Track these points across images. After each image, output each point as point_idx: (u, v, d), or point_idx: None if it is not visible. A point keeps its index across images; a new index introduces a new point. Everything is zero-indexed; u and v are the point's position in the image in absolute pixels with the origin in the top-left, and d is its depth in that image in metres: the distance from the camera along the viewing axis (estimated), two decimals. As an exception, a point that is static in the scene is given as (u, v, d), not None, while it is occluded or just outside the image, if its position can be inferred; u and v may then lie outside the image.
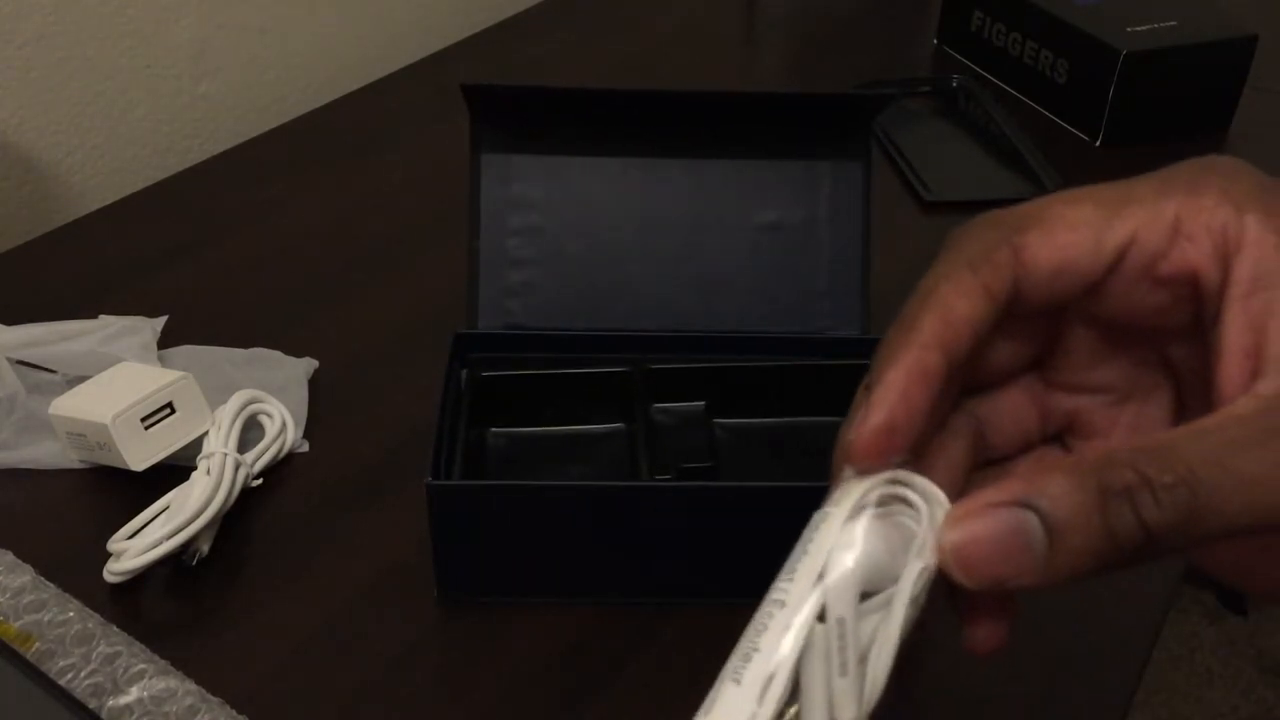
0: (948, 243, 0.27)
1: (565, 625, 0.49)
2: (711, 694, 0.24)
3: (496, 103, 0.56)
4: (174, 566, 0.50)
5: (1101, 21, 0.84)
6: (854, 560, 0.24)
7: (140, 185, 0.79)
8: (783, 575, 0.25)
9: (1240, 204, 0.25)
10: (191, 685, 0.45)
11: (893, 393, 0.25)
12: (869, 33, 1.04)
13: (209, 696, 0.45)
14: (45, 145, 0.78)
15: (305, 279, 0.69)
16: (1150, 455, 0.23)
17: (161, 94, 0.84)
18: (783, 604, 0.24)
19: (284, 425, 0.56)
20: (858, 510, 0.25)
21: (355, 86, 0.91)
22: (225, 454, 0.52)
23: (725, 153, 0.57)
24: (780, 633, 0.24)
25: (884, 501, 0.25)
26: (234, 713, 0.45)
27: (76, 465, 0.56)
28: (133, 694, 0.45)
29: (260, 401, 0.56)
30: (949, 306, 0.25)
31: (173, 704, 0.45)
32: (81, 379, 0.56)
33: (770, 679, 0.23)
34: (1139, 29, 0.83)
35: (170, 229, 0.74)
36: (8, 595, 0.48)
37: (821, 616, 0.24)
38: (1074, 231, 0.26)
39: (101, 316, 0.64)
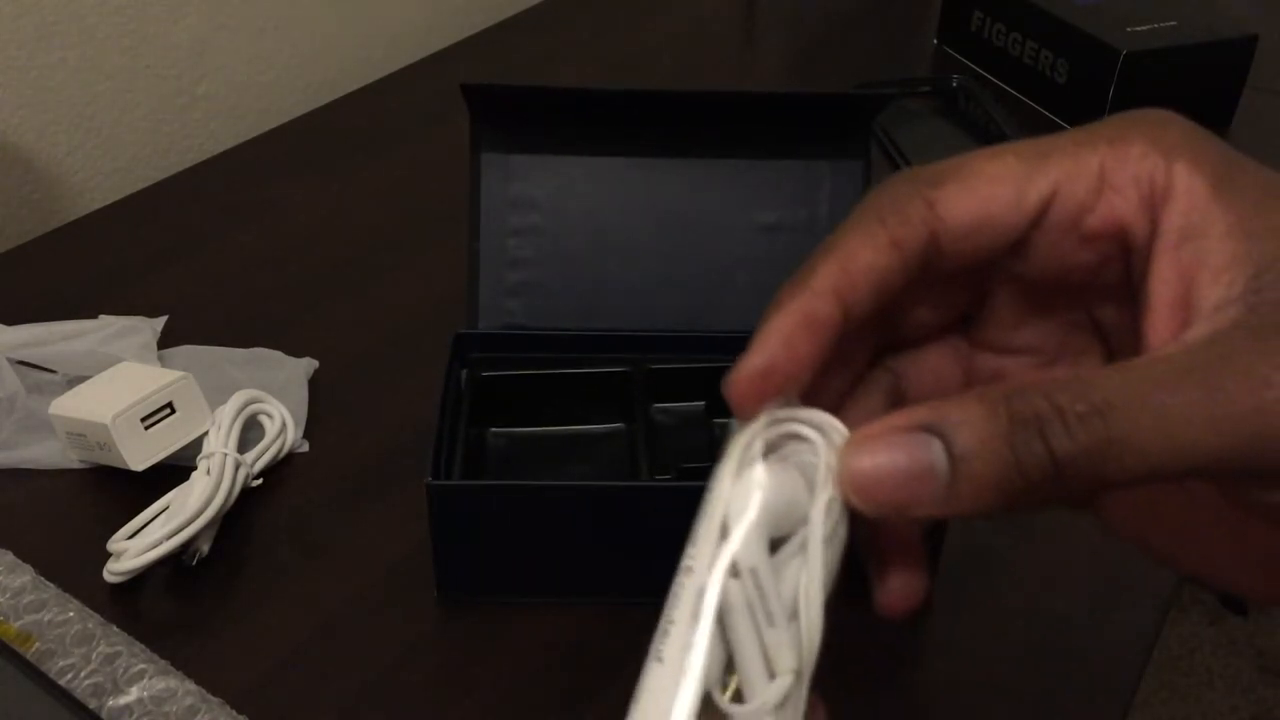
0: (862, 200, 0.26)
1: (565, 625, 0.49)
2: (639, 681, 0.23)
3: (496, 103, 0.56)
4: (174, 566, 0.50)
5: (1101, 21, 0.84)
6: (753, 507, 0.23)
7: (140, 185, 0.79)
8: (688, 543, 0.24)
9: (1168, 152, 0.24)
10: (191, 685, 0.45)
11: (774, 337, 0.24)
12: (869, 33, 1.04)
13: (209, 696, 0.45)
14: (45, 145, 0.78)
15: (305, 279, 0.69)
16: (1065, 386, 0.21)
17: (161, 94, 0.84)
18: (690, 569, 0.23)
19: (284, 425, 0.56)
20: (747, 457, 0.24)
21: (355, 86, 0.91)
22: (225, 454, 0.52)
23: (725, 153, 0.57)
24: (693, 599, 0.23)
25: (777, 443, 0.24)
26: (234, 713, 0.45)
27: (76, 465, 0.56)
28: (133, 694, 0.45)
29: (260, 401, 0.56)
30: (849, 255, 0.24)
31: (173, 704, 0.45)
32: (81, 379, 0.56)
33: (690, 648, 0.23)
34: (1139, 29, 0.83)
35: (170, 229, 0.74)
36: (8, 595, 0.48)
37: (735, 572, 0.23)
38: (993, 184, 0.25)
39: (101, 316, 0.64)
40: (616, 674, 0.47)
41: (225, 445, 0.53)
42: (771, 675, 0.23)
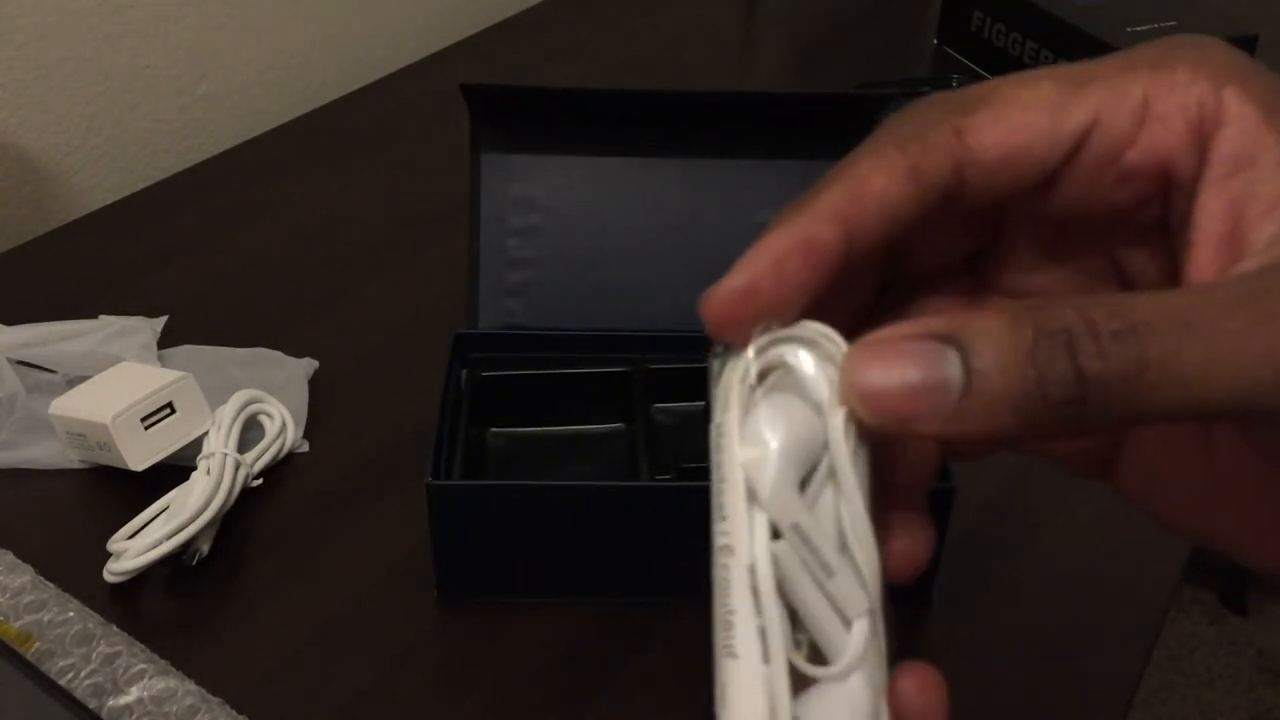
0: (883, 125, 0.23)
1: (565, 625, 0.49)
2: (717, 679, 0.21)
3: (496, 103, 0.56)
4: (174, 566, 0.50)
5: (1101, 21, 0.84)
6: (773, 457, 0.21)
7: (140, 185, 0.79)
8: (715, 516, 0.22)
9: (1215, 78, 0.22)
10: (191, 685, 0.45)
11: (764, 257, 0.22)
12: (869, 33, 1.04)
13: (209, 696, 0.45)
14: (45, 145, 0.78)
15: (305, 279, 0.69)
16: (1100, 303, 0.19)
17: (161, 94, 0.84)
18: (729, 548, 0.21)
19: (284, 425, 0.56)
20: (747, 400, 0.21)
21: (355, 86, 0.91)
22: (225, 454, 0.52)
23: (725, 153, 0.57)
24: (746, 580, 0.21)
25: (769, 371, 0.22)
26: (234, 712, 0.45)
27: (76, 465, 0.56)
28: (133, 694, 0.45)
29: (260, 401, 0.56)
30: (861, 180, 0.22)
31: (173, 704, 0.45)
32: (81, 379, 0.56)
33: (763, 632, 0.21)
34: (1139, 29, 0.83)
35: (170, 229, 0.74)
36: (8, 595, 0.48)
37: (776, 534, 0.21)
38: (1027, 112, 0.22)
39: (101, 316, 0.64)
40: (616, 674, 0.47)
41: (225, 445, 0.53)
42: (847, 624, 0.21)
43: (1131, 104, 0.22)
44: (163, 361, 0.61)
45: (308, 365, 0.61)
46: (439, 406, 0.50)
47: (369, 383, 0.62)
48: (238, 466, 0.53)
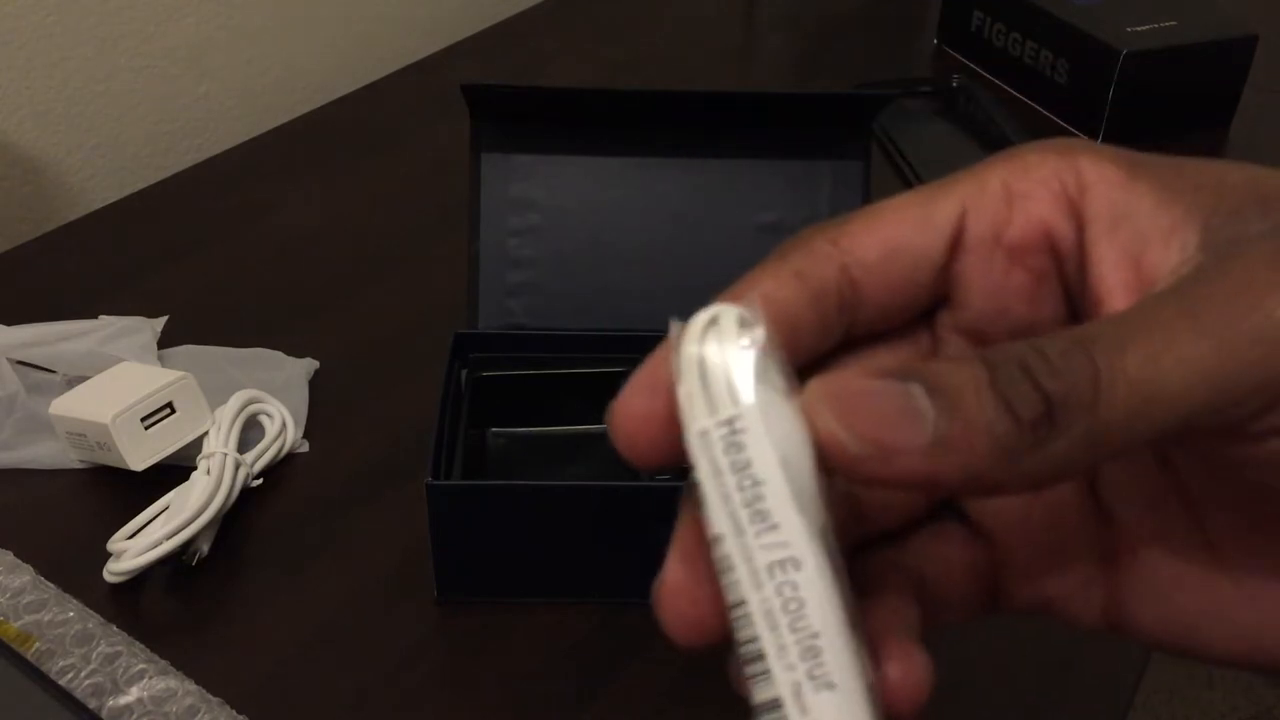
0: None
1: (565, 625, 0.49)
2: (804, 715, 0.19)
3: (496, 103, 0.56)
4: (174, 566, 0.50)
5: (1101, 21, 0.84)
6: (802, 443, 0.19)
7: (140, 185, 0.79)
8: (750, 529, 0.19)
9: (1065, 153, 0.23)
10: (192, 685, 0.45)
11: (651, 377, 0.22)
12: (869, 33, 1.04)
13: (209, 696, 0.45)
14: (45, 145, 0.78)
15: (305, 279, 0.69)
16: (1042, 336, 0.19)
17: (161, 94, 0.84)
18: (796, 561, 0.19)
19: (284, 425, 0.56)
20: (762, 382, 0.19)
21: (355, 86, 0.91)
22: (225, 454, 0.52)
23: (725, 153, 0.57)
24: (825, 592, 0.19)
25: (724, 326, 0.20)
26: (234, 713, 0.45)
27: (76, 465, 0.56)
28: (133, 694, 0.45)
29: (260, 401, 0.56)
30: (749, 284, 0.22)
31: (173, 704, 0.45)
32: (81, 379, 0.56)
33: (857, 653, 0.19)
34: (1139, 29, 0.83)
35: (170, 229, 0.74)
36: (8, 595, 0.48)
37: (824, 534, 0.19)
38: (897, 213, 0.23)
39: (101, 317, 0.64)
40: (616, 674, 0.47)
41: (225, 445, 0.53)
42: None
43: (993, 190, 0.23)
44: (163, 361, 0.61)
45: (308, 365, 0.61)
46: (439, 406, 0.50)
47: (369, 383, 0.62)
48: (238, 466, 0.53)
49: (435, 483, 0.47)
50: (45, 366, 0.60)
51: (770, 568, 0.19)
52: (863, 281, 0.23)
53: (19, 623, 0.47)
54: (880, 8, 1.08)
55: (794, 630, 0.19)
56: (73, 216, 0.77)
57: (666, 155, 0.57)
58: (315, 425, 0.58)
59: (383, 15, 0.97)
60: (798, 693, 0.19)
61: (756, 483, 0.19)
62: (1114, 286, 0.22)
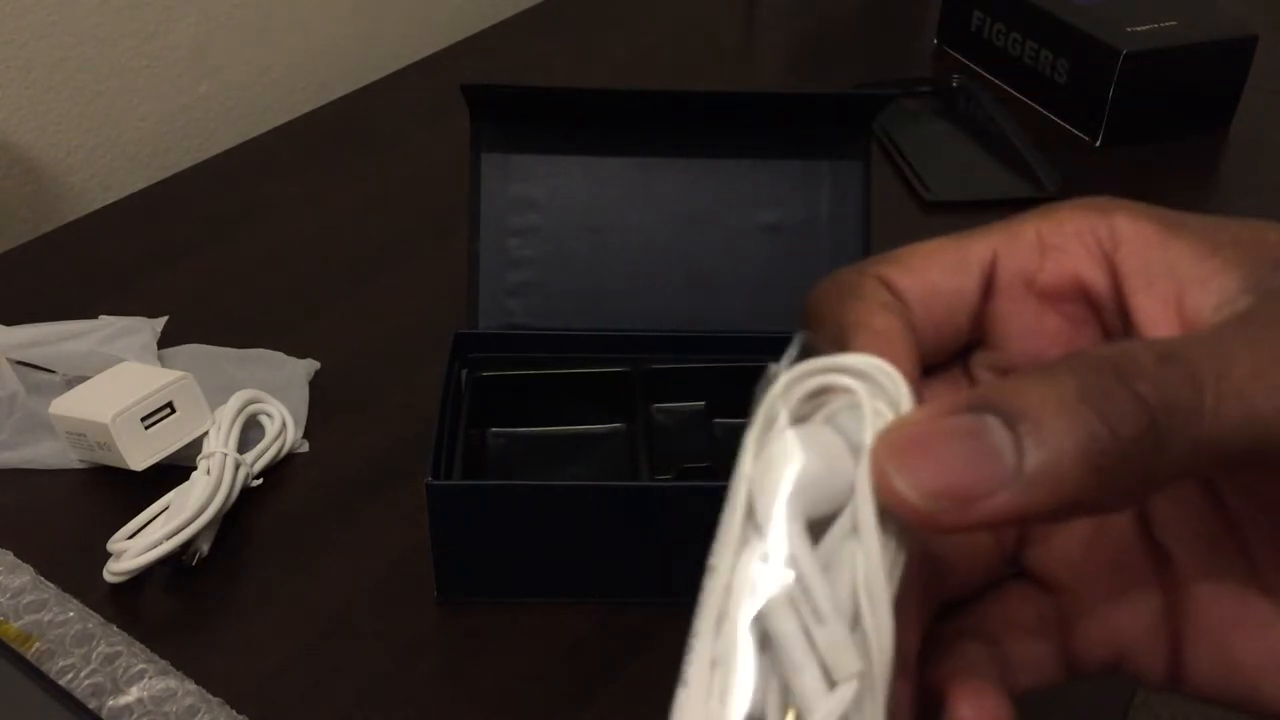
0: (807, 314, 0.23)
1: (565, 625, 0.49)
2: (671, 711, 0.19)
3: (496, 103, 0.56)
4: (174, 566, 0.50)
5: (1101, 21, 0.84)
6: (783, 483, 0.19)
7: (140, 185, 0.79)
8: (717, 537, 0.19)
9: (1102, 210, 0.23)
10: (191, 685, 0.45)
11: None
12: (869, 33, 1.04)
13: (209, 697, 0.45)
14: (45, 145, 0.78)
15: (305, 279, 0.69)
16: (1131, 343, 0.18)
17: (162, 94, 0.84)
18: (714, 569, 0.19)
19: (284, 425, 0.56)
20: (772, 422, 0.19)
21: (355, 86, 0.91)
22: (225, 454, 0.52)
23: (725, 153, 0.57)
24: (718, 604, 0.19)
25: (814, 398, 0.20)
26: (234, 713, 0.45)
27: (76, 465, 0.56)
28: (133, 694, 0.45)
29: (260, 401, 0.56)
30: (867, 325, 0.22)
31: (173, 704, 0.44)
32: (81, 379, 0.56)
33: (715, 664, 0.19)
34: (1139, 29, 0.83)
35: (170, 229, 0.74)
36: (8, 595, 0.48)
37: (769, 565, 0.19)
38: (932, 255, 0.23)
39: (101, 317, 0.64)
40: (616, 674, 0.47)
41: (225, 445, 0.53)
42: (831, 685, 0.18)
43: (1027, 241, 0.23)
44: (163, 361, 0.61)
45: (308, 365, 0.61)
46: (439, 406, 0.50)
47: (369, 383, 0.62)
48: (238, 466, 0.53)
49: (435, 483, 0.47)
50: (45, 366, 0.60)
51: (709, 569, 0.19)
52: (910, 321, 0.23)
53: (19, 623, 0.47)
54: (880, 8, 1.07)
55: (694, 624, 0.19)
56: (73, 216, 0.77)
57: (667, 155, 0.57)
58: (315, 425, 0.58)
59: (382, 15, 0.97)
60: (680, 681, 0.19)
61: (727, 501, 0.19)
62: (1161, 327, 0.22)
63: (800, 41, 1.04)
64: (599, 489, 0.48)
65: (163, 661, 0.46)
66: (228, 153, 0.83)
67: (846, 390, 0.19)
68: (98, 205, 0.78)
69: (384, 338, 0.65)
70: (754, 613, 0.18)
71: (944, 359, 0.24)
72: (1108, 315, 0.23)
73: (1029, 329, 0.24)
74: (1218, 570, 0.23)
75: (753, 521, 0.19)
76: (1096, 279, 0.23)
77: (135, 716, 0.44)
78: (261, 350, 0.62)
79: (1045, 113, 0.89)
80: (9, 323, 0.63)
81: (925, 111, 0.89)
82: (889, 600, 0.18)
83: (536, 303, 0.57)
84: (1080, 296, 0.23)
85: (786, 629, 0.18)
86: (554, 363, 0.55)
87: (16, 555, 0.50)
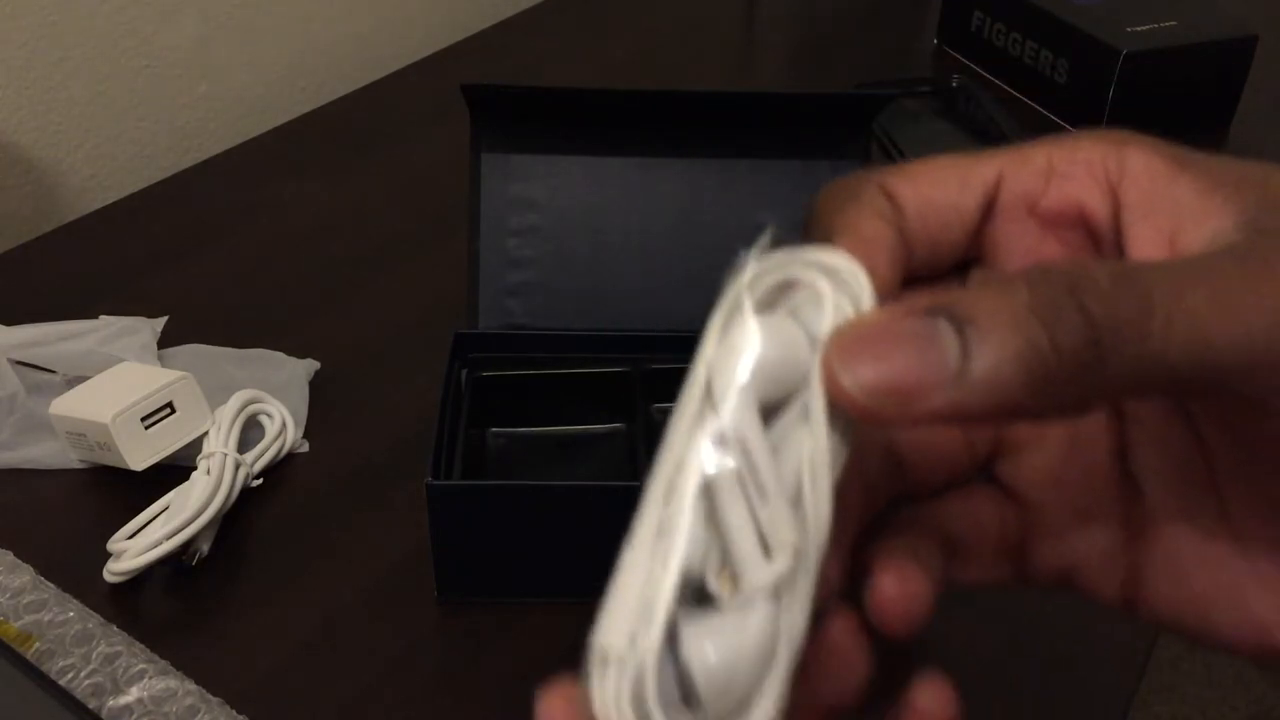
0: (809, 215, 0.24)
1: (565, 625, 0.49)
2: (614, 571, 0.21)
3: (496, 103, 0.56)
4: (174, 566, 0.50)
5: (1101, 21, 0.84)
6: (740, 367, 0.20)
7: (140, 185, 0.79)
8: (674, 414, 0.21)
9: (1118, 143, 0.23)
10: (191, 685, 0.45)
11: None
12: (869, 33, 1.04)
13: (209, 697, 0.45)
14: (45, 145, 0.78)
15: (305, 279, 0.69)
16: (1092, 261, 0.19)
17: (161, 94, 0.84)
18: (669, 444, 0.20)
19: (284, 425, 0.56)
20: (737, 309, 0.20)
21: (355, 86, 0.91)
22: (225, 454, 0.52)
23: (725, 153, 0.57)
24: (669, 475, 0.20)
25: (780, 290, 0.21)
26: (234, 713, 0.45)
27: (76, 465, 0.55)
28: (133, 694, 0.45)
29: (260, 401, 0.56)
30: (856, 230, 0.23)
31: (173, 704, 0.44)
32: (81, 379, 0.56)
33: (661, 528, 0.20)
34: (1139, 29, 0.83)
35: (170, 229, 0.74)
36: (8, 595, 0.48)
37: (721, 442, 0.20)
38: (936, 171, 0.24)
39: (101, 317, 0.64)
40: (616, 674, 0.47)
41: (225, 445, 0.53)
42: (768, 555, 0.20)
43: (1035, 166, 0.23)
44: (163, 361, 0.61)
45: (308, 365, 0.61)
46: (439, 406, 0.50)
47: (369, 383, 0.62)
48: (238, 466, 0.53)
49: (435, 483, 0.47)
50: (45, 366, 0.60)
51: (664, 443, 0.20)
52: (909, 241, 0.23)
53: (19, 623, 0.47)
54: (880, 8, 1.07)
55: (646, 492, 0.20)
56: (72, 216, 0.77)
57: (666, 155, 0.57)
58: (315, 425, 0.58)
59: (382, 15, 0.97)
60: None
61: (688, 378, 0.20)
62: (1150, 258, 0.22)
63: (800, 41, 1.04)
64: (599, 489, 0.48)
65: (163, 661, 0.46)
66: (227, 153, 0.83)
67: (811, 285, 0.20)
68: (97, 205, 0.78)
69: (384, 338, 0.65)
70: (702, 485, 0.20)
71: (939, 272, 0.25)
72: (1106, 246, 0.23)
73: (1027, 252, 0.24)
74: (1187, 504, 0.24)
75: (710, 401, 0.20)
76: (1098, 208, 0.23)
77: (135, 716, 0.44)
78: (261, 350, 0.62)
79: (1045, 113, 0.89)
80: (9, 323, 0.63)
81: (925, 111, 0.89)
82: (830, 483, 0.20)
83: (536, 303, 0.57)
84: (1081, 224, 0.23)
85: (731, 501, 0.20)
86: (554, 363, 0.55)
87: (16, 555, 0.50)
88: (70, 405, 0.54)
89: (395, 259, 0.71)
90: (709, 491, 0.20)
